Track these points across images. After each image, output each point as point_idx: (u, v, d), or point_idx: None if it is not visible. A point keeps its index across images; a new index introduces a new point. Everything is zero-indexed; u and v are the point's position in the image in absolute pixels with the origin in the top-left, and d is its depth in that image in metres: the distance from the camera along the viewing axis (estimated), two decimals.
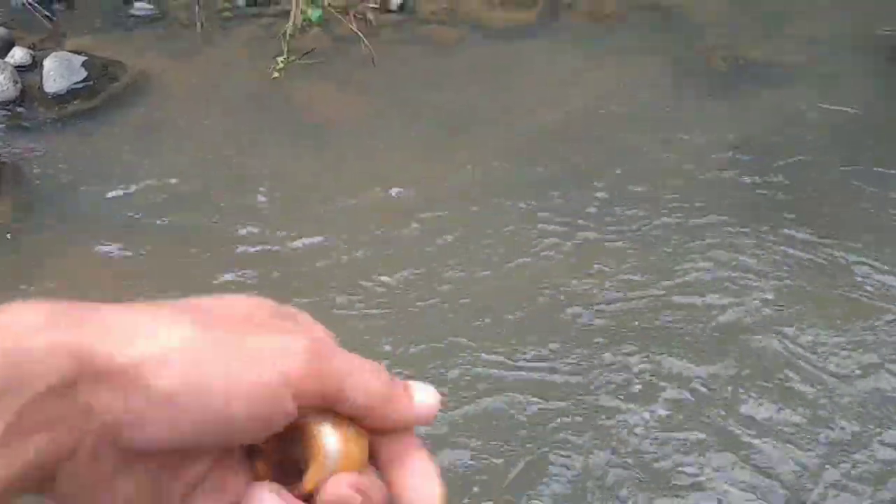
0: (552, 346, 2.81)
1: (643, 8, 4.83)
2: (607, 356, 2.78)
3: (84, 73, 4.11)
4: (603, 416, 2.60)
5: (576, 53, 4.44)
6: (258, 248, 3.20)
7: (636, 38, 4.56)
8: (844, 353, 2.78)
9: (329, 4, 4.64)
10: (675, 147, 3.71)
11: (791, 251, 3.16)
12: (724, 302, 2.95)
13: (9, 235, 3.23)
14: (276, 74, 4.14)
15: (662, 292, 2.99)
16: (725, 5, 4.89)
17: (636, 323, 2.89)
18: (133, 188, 3.48)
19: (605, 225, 3.28)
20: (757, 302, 2.94)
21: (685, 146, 3.71)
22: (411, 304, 2.97)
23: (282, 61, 4.19)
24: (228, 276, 3.07)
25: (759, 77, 4.21)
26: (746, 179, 3.52)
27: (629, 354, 2.78)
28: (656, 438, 2.53)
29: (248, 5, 4.80)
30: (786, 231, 3.24)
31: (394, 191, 3.47)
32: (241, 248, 3.19)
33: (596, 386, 2.68)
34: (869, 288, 3.00)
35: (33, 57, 4.22)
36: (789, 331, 2.86)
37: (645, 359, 2.77)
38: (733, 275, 3.05)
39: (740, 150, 3.68)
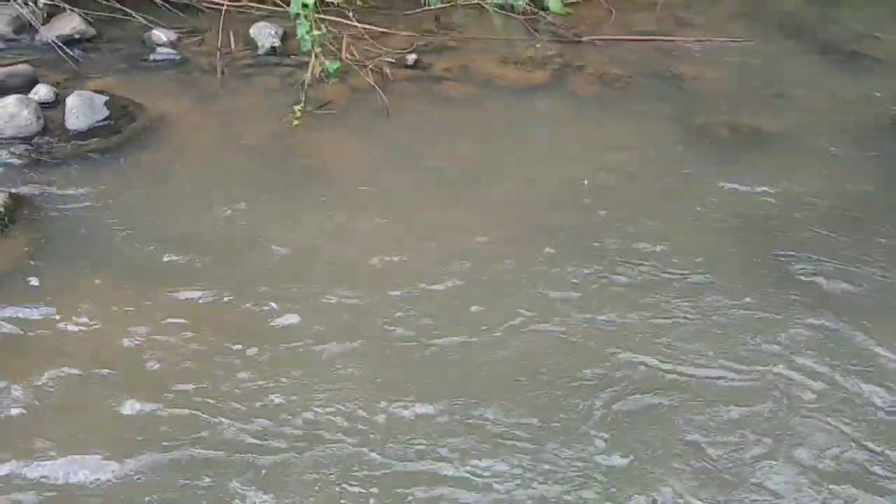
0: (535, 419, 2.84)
1: (651, 74, 4.96)
2: (602, 422, 2.81)
3: (105, 112, 4.22)
4: None
5: (584, 115, 4.56)
6: (262, 290, 3.25)
7: (643, 103, 4.69)
8: (849, 425, 2.82)
9: (347, 57, 4.78)
10: (677, 215, 3.77)
11: (794, 328, 3.18)
12: (726, 378, 2.98)
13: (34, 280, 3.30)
14: (295, 122, 4.24)
15: (658, 363, 3.03)
16: (731, 74, 5.03)
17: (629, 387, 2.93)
18: (145, 228, 3.54)
19: (603, 291, 3.32)
20: (768, 376, 2.98)
21: (687, 215, 3.78)
22: (408, 356, 3.01)
23: (299, 110, 4.30)
24: (233, 317, 3.12)
25: (763, 146, 4.31)
26: (747, 251, 3.56)
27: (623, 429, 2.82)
28: None
29: (267, 54, 4.94)
30: (789, 307, 3.27)
31: (399, 242, 3.53)
32: (245, 291, 3.24)
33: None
34: (872, 363, 3.04)
35: (57, 94, 4.33)
36: (788, 404, 2.90)
37: (644, 434, 2.80)
38: (731, 351, 3.07)
39: (742, 221, 3.74)
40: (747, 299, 3.29)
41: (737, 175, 4.04)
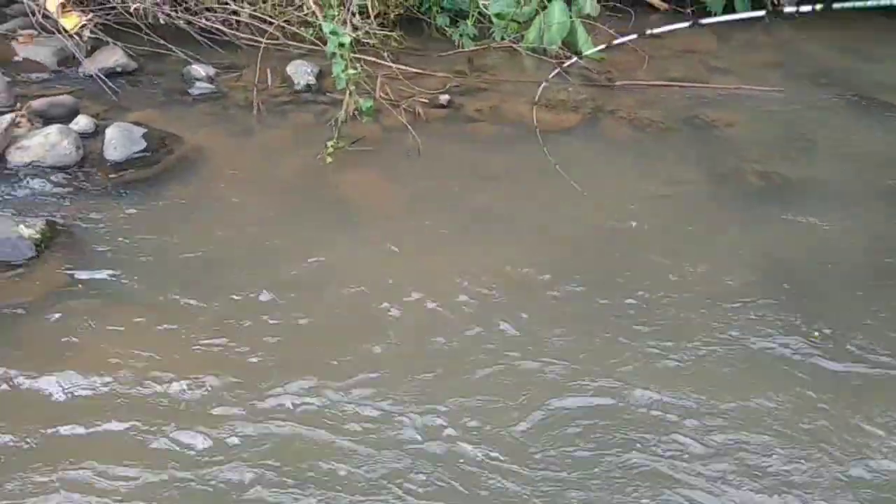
0: (561, 449, 2.83)
1: (683, 120, 4.98)
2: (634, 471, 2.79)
3: (143, 144, 4.31)
4: None
5: (614, 159, 4.57)
6: (294, 323, 3.27)
7: (674, 148, 4.70)
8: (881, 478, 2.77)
9: (381, 96, 4.86)
10: (704, 262, 3.75)
11: (821, 379, 3.15)
12: (750, 435, 2.95)
13: (84, 277, 3.35)
14: (328, 159, 4.30)
15: (684, 415, 3.01)
16: (763, 122, 5.03)
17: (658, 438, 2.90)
18: (178, 258, 3.59)
19: (628, 334, 3.31)
20: (786, 431, 2.94)
21: (715, 262, 3.76)
22: (436, 393, 3.01)
23: (332, 146, 4.36)
24: (256, 356, 3.14)
25: (793, 196, 4.29)
26: (774, 301, 3.53)
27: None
28: None
29: (303, 92, 5.02)
30: (816, 358, 3.24)
31: (428, 281, 3.55)
32: (272, 326, 3.27)
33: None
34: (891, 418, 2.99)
35: (97, 125, 4.43)
36: (821, 461, 2.85)
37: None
38: (759, 405, 3.04)
39: (770, 271, 3.71)
40: (773, 349, 3.26)
41: (766, 224, 4.03)
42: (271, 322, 3.28)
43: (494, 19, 5.83)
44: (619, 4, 6.43)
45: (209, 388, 2.96)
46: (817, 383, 3.12)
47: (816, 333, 3.06)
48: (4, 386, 2.91)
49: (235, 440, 2.78)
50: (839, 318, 3.45)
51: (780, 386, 3.10)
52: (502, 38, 5.82)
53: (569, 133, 4.81)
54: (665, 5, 6.79)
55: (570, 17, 5.68)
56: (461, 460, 2.77)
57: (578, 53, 5.68)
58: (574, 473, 2.74)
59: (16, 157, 4.07)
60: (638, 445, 2.84)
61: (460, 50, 5.71)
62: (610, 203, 4.16)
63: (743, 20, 6.15)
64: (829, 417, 2.98)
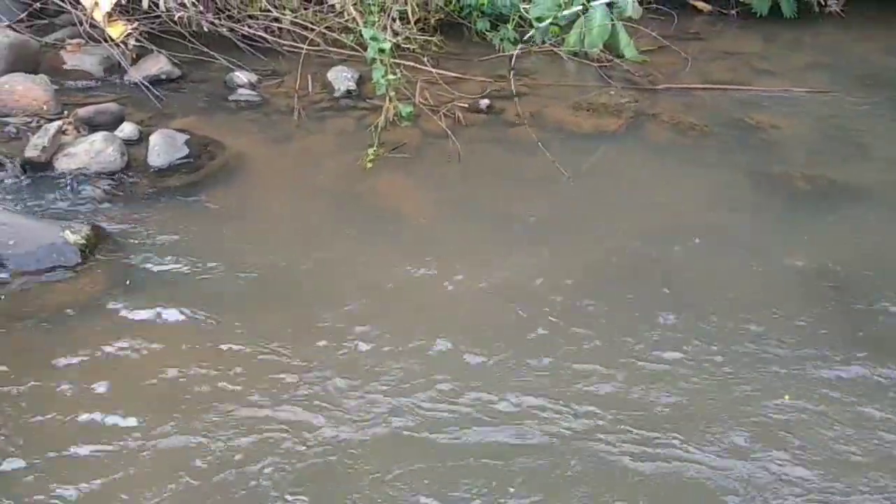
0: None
1: (727, 123, 4.90)
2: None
3: (186, 150, 4.36)
4: None
5: (657, 164, 4.51)
6: (334, 327, 3.28)
7: (719, 152, 4.62)
8: None
9: (420, 102, 4.86)
10: (752, 267, 3.68)
11: (869, 387, 3.07)
12: (797, 439, 2.89)
13: (128, 282, 3.42)
14: (367, 164, 4.31)
15: (729, 420, 2.95)
16: (809, 125, 4.93)
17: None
18: (220, 262, 3.62)
19: (673, 343, 3.26)
20: (831, 438, 2.87)
21: (763, 266, 3.68)
22: (478, 401, 2.99)
23: (372, 152, 4.37)
24: (302, 361, 3.15)
25: (841, 199, 4.19)
26: (821, 308, 3.45)
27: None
28: None
29: (343, 97, 5.05)
30: (863, 364, 3.16)
31: (468, 287, 3.53)
32: (317, 328, 3.27)
33: None
34: None
35: (141, 132, 4.50)
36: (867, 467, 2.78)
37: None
38: (807, 413, 2.96)
39: (817, 276, 3.63)
40: (820, 357, 3.18)
41: (813, 228, 3.95)
42: (314, 327, 3.28)
43: (535, 23, 5.80)
44: (661, 7, 6.36)
45: (253, 392, 2.97)
46: (867, 393, 3.04)
47: (786, 397, 3.01)
48: (51, 389, 2.95)
49: (277, 446, 2.78)
50: (889, 324, 3.36)
51: (826, 395, 3.02)
52: (543, 42, 5.79)
53: (611, 137, 4.76)
54: (708, 7, 6.71)
55: (612, 20, 5.63)
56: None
57: (621, 56, 5.63)
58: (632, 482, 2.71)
59: (63, 163, 4.15)
60: (681, 453, 2.79)
61: (501, 54, 5.69)
62: (653, 208, 4.10)
63: None
64: (889, 429, 2.90)
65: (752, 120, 4.95)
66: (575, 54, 5.68)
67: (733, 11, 6.57)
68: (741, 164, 4.50)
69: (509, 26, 5.79)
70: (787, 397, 3.00)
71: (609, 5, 5.65)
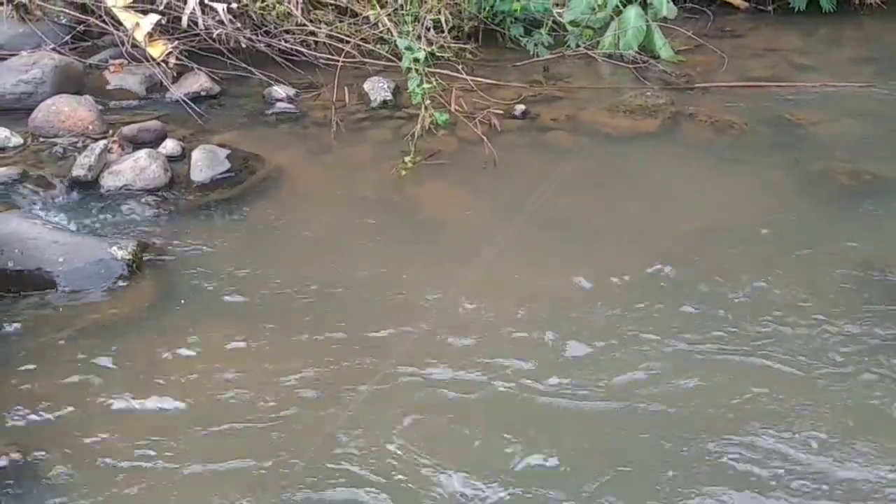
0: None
1: (767, 121, 4.85)
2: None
3: (227, 165, 4.43)
4: None
5: (697, 163, 4.48)
6: (375, 335, 3.30)
7: (759, 150, 4.57)
8: None
9: (456, 109, 4.88)
10: (793, 267, 3.63)
11: None
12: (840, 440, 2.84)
13: (182, 300, 3.50)
14: (403, 173, 4.35)
15: (776, 418, 2.91)
16: (851, 121, 4.86)
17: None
18: (263, 274, 3.67)
19: (718, 343, 3.23)
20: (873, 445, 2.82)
21: (804, 266, 3.64)
22: (524, 406, 2.99)
23: (409, 161, 4.40)
24: (349, 370, 3.18)
25: (885, 196, 4.12)
26: (866, 307, 3.39)
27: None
28: None
29: (380, 108, 5.10)
30: None
31: (506, 293, 3.53)
32: (360, 337, 3.30)
33: None
34: None
35: (183, 148, 4.58)
36: None
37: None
38: (856, 412, 2.91)
39: (862, 274, 3.57)
40: (867, 357, 3.13)
41: (857, 225, 3.88)
42: (361, 336, 3.31)
43: (569, 27, 5.80)
44: (696, 6, 6.32)
45: (301, 403, 3.00)
46: None
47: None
48: (100, 402, 3.02)
49: (330, 454, 2.81)
50: None
51: (874, 395, 2.97)
52: (577, 46, 5.78)
53: (648, 139, 4.73)
54: (745, 4, 6.64)
55: (647, 21, 5.60)
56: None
57: (656, 57, 5.60)
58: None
59: (108, 181, 4.25)
60: (731, 450, 2.77)
61: (535, 59, 5.70)
62: (692, 208, 4.07)
63: None
64: None
65: (792, 117, 4.89)
66: (610, 56, 5.66)
67: (770, 7, 6.51)
68: (782, 162, 4.44)
69: (543, 31, 5.80)
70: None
71: (643, 6, 5.63)
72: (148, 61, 5.19)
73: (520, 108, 5.02)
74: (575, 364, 3.15)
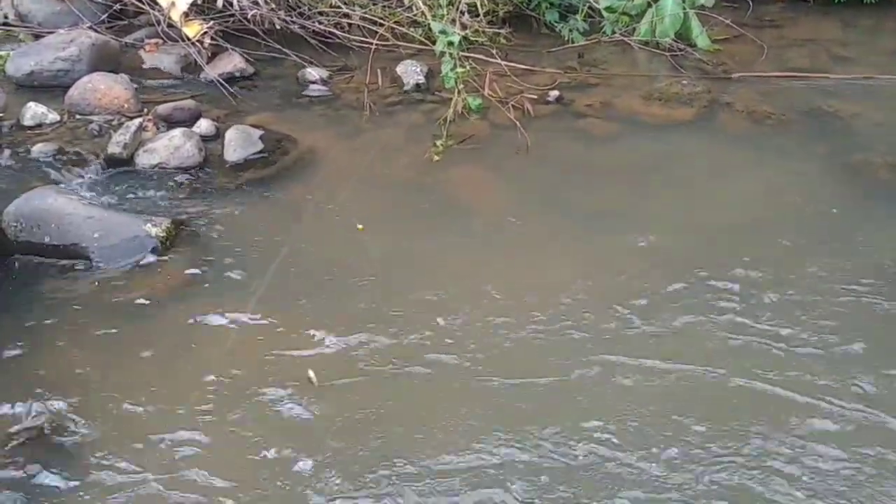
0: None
1: (805, 112, 4.77)
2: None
3: (260, 146, 4.45)
4: None
5: (733, 153, 4.42)
6: (405, 316, 3.30)
7: (796, 141, 4.50)
8: None
9: (489, 94, 4.86)
10: (834, 260, 3.57)
11: None
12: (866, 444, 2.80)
13: (209, 272, 3.51)
14: (435, 157, 4.33)
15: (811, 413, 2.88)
16: (891, 113, 4.76)
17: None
18: (294, 254, 3.69)
19: (756, 335, 3.18)
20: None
21: (842, 259, 3.57)
22: (551, 393, 2.98)
23: (441, 145, 4.39)
24: (377, 350, 3.19)
25: None
26: None
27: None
28: None
29: (413, 91, 5.08)
30: None
31: (537, 279, 3.52)
32: (390, 319, 3.30)
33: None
34: None
35: (217, 128, 4.60)
36: None
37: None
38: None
39: None
40: None
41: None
42: (391, 316, 3.31)
43: (605, 13, 5.74)
44: None
45: (332, 381, 3.02)
46: None
47: None
48: (132, 375, 3.05)
49: (360, 435, 2.83)
50: None
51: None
52: (613, 33, 5.72)
53: (683, 127, 4.68)
54: None
55: (684, 9, 5.53)
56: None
57: (693, 45, 5.53)
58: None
59: (143, 159, 4.28)
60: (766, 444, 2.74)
61: (570, 45, 5.65)
62: (726, 198, 4.02)
63: None
64: None
65: (830, 108, 4.81)
66: (646, 44, 5.60)
67: None
68: (820, 153, 4.38)
69: (579, 17, 5.74)
70: None
71: None
72: (183, 41, 5.21)
73: (554, 93, 4.98)
74: (592, 348, 3.13)
